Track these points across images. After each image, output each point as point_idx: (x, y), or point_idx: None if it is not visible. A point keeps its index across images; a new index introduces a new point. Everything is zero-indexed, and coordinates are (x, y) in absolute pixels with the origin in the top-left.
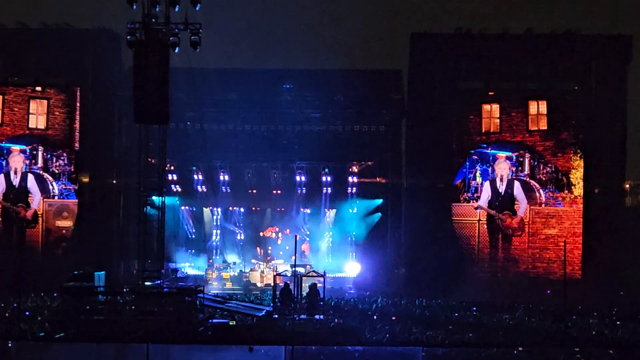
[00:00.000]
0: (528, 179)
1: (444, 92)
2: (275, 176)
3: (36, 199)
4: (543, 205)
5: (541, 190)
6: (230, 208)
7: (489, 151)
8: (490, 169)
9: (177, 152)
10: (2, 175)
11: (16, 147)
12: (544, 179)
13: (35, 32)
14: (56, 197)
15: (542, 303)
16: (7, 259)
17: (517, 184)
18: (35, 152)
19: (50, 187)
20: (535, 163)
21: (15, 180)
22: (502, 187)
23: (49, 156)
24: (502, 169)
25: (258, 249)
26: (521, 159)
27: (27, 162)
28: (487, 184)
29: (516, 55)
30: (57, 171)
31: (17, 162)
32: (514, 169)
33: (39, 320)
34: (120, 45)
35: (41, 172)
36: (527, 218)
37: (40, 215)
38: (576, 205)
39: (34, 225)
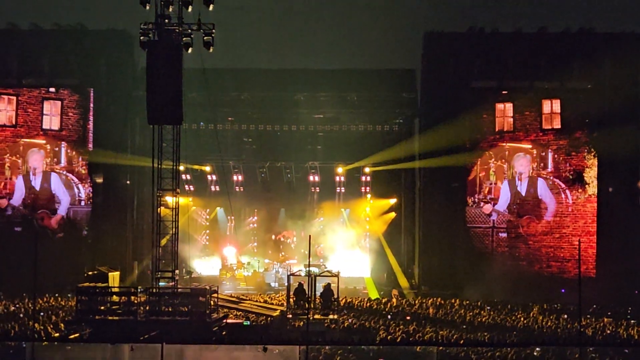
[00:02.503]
0: (552, 177)
1: (457, 91)
2: (288, 176)
3: (64, 204)
4: (570, 209)
5: (567, 191)
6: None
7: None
8: (506, 166)
9: (191, 153)
10: (21, 177)
11: (34, 142)
12: (570, 177)
13: (48, 34)
14: (82, 203)
15: (557, 302)
16: (22, 260)
17: (541, 182)
18: (57, 149)
19: (76, 190)
20: (560, 159)
21: (36, 182)
22: (522, 187)
23: (73, 154)
24: (522, 165)
25: (270, 252)
26: (543, 154)
27: (48, 160)
28: (505, 184)
29: (529, 54)
30: (83, 171)
31: (36, 160)
32: (534, 165)
33: (53, 321)
34: (134, 46)
35: (65, 172)
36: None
37: (66, 222)
38: (590, 204)
39: (62, 235)
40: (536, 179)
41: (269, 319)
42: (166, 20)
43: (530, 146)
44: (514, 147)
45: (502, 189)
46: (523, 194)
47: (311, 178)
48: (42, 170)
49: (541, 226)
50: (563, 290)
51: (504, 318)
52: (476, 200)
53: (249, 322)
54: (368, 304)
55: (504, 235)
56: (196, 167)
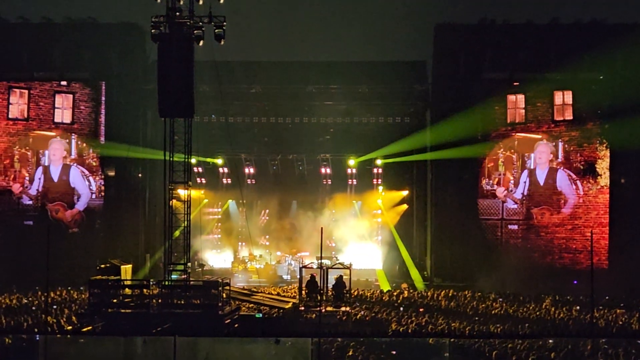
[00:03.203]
0: (562, 168)
1: (469, 83)
2: (300, 168)
3: (83, 198)
4: (582, 200)
5: (579, 182)
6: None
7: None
8: (515, 156)
9: (202, 145)
10: (41, 168)
11: (44, 134)
12: (581, 167)
13: (60, 27)
14: (94, 196)
15: (569, 294)
16: (35, 253)
17: (561, 173)
18: (67, 141)
19: (87, 182)
20: (572, 150)
21: (54, 174)
22: (541, 177)
23: (84, 146)
24: (542, 152)
25: (273, 251)
26: (554, 144)
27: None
28: (525, 174)
29: (541, 46)
30: (94, 163)
31: (56, 149)
32: (551, 155)
33: (66, 314)
34: (145, 39)
35: (76, 165)
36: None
37: (80, 219)
38: (602, 195)
39: (76, 230)
40: (556, 170)
41: (281, 311)
42: (177, 13)
43: (540, 137)
44: (522, 137)
45: (522, 177)
46: (541, 183)
47: (323, 170)
48: (62, 163)
49: (554, 217)
50: (575, 282)
51: (516, 310)
52: (490, 183)
53: (261, 315)
54: (380, 296)
55: (514, 227)
56: (208, 159)
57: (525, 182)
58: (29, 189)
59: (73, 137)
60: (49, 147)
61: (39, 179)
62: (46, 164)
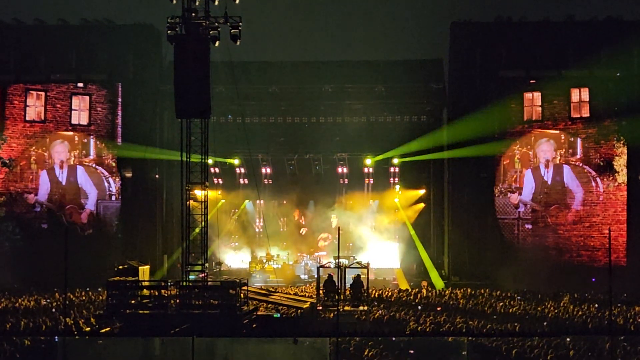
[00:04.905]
0: (581, 164)
1: (485, 81)
2: (317, 168)
3: (92, 198)
4: (601, 197)
5: (598, 179)
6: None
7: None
8: (532, 153)
9: (219, 146)
10: (45, 172)
11: (60, 134)
12: (601, 164)
13: (76, 29)
14: (113, 197)
15: (587, 291)
16: (52, 255)
17: (567, 169)
18: (85, 141)
19: (106, 184)
20: (590, 147)
21: (62, 176)
22: (548, 175)
23: (102, 146)
24: (545, 151)
25: (299, 254)
26: (572, 140)
27: (75, 153)
28: (528, 173)
29: (557, 43)
30: (113, 164)
31: (60, 153)
32: (561, 151)
33: (84, 315)
34: (161, 40)
35: (94, 165)
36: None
37: (95, 218)
38: (620, 192)
39: (91, 232)
40: (562, 167)
41: (299, 311)
42: (193, 14)
43: (558, 133)
44: (539, 133)
45: (525, 178)
46: (549, 182)
47: (340, 170)
48: (67, 164)
49: (571, 215)
50: (593, 280)
51: (534, 308)
52: (502, 190)
53: (279, 315)
54: (398, 295)
55: (531, 226)
56: (225, 160)
57: (536, 181)
58: (37, 195)
59: (92, 137)
60: (52, 150)
61: (46, 183)
62: (56, 166)
